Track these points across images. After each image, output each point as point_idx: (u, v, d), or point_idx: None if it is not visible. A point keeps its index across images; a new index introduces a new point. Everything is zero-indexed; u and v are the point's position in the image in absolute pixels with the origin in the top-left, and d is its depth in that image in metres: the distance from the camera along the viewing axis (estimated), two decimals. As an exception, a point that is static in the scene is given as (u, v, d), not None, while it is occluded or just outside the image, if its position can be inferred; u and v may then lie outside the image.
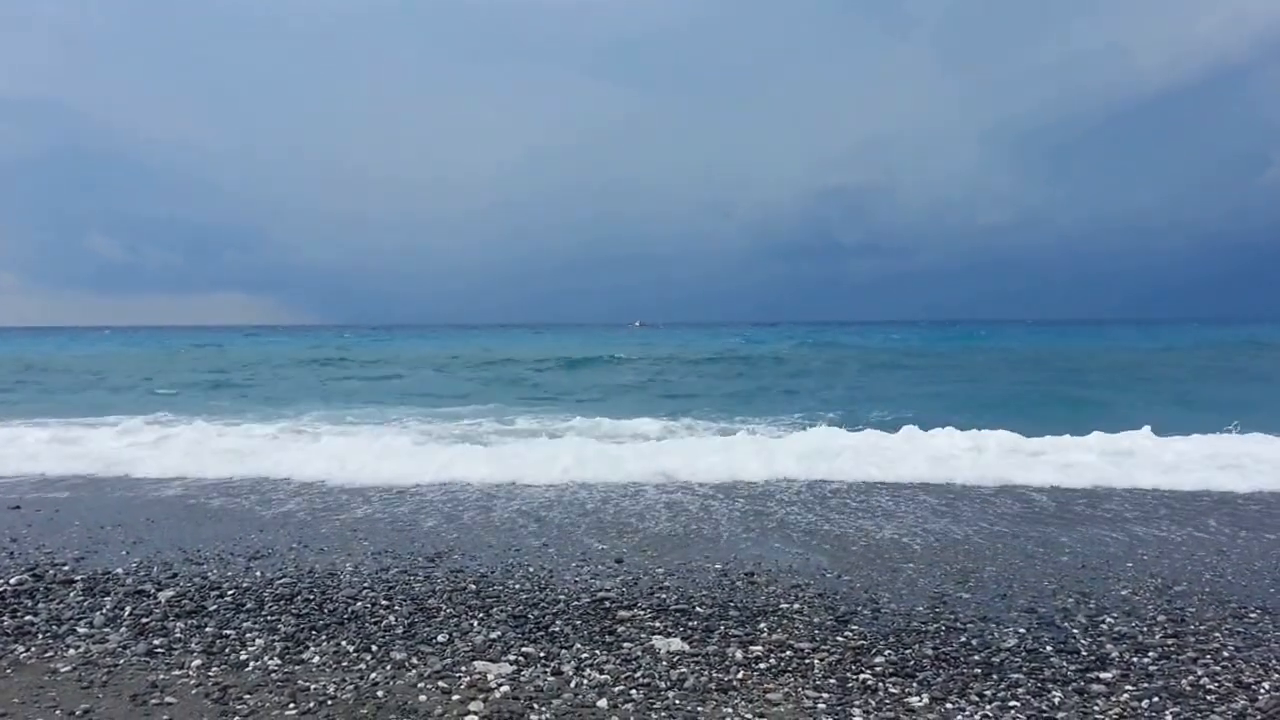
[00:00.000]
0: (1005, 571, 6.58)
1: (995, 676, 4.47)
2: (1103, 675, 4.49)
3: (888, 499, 9.46)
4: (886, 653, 4.77)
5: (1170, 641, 4.99)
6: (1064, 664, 4.66)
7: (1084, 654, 4.80)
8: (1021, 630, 5.19)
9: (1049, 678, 4.47)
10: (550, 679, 4.39)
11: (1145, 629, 5.23)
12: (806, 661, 4.64)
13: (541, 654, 4.73)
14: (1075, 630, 5.21)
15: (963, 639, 5.03)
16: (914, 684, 4.35)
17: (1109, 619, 5.41)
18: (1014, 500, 9.46)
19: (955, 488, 10.16)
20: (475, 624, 5.22)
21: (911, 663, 4.63)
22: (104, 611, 5.40)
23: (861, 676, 4.44)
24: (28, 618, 5.29)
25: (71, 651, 4.74)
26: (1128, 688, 4.33)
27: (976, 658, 4.73)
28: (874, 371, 34.18)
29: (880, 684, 4.34)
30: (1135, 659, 4.72)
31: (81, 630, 5.07)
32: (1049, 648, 4.90)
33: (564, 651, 4.77)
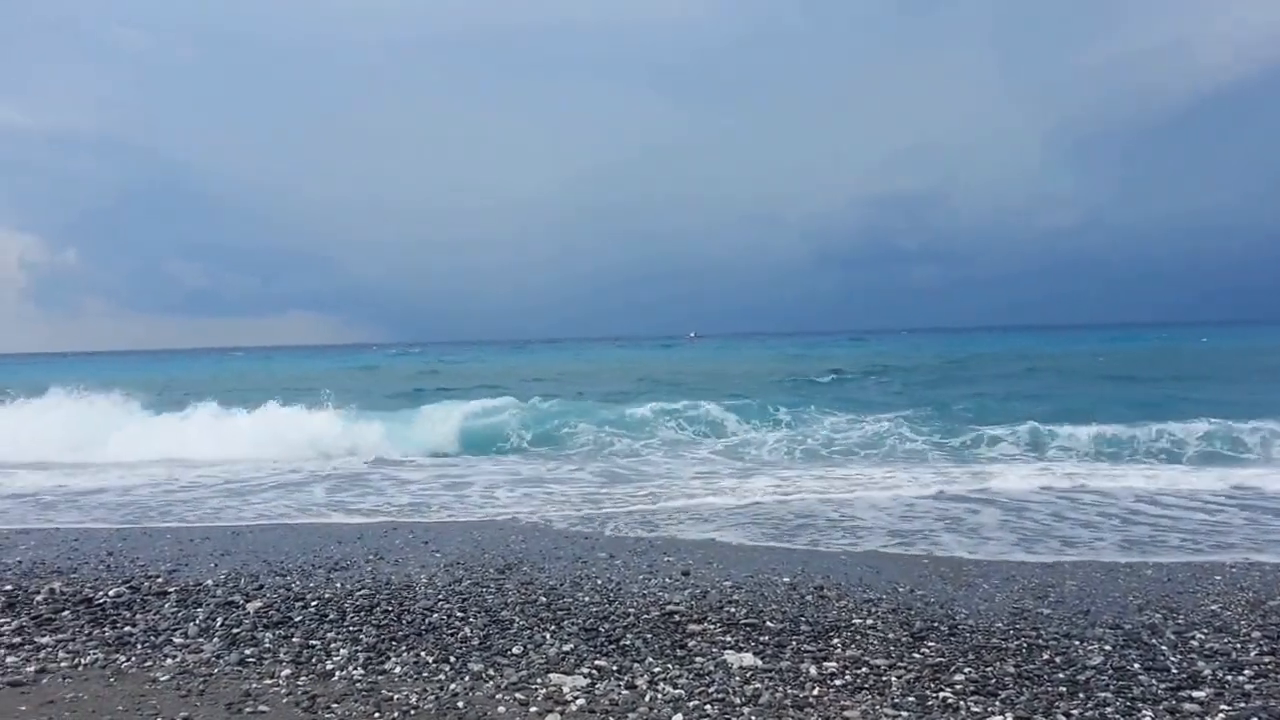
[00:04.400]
0: (1086, 586, 6.41)
1: (1082, 695, 4.36)
2: (1195, 694, 4.35)
3: None
4: (966, 670, 4.69)
5: (1267, 659, 4.81)
6: (1153, 682, 4.52)
7: (1174, 672, 4.66)
8: (1107, 647, 5.05)
9: (1138, 696, 4.34)
10: (624, 693, 4.43)
11: (1239, 646, 5.04)
12: (883, 678, 4.59)
13: (614, 667, 4.77)
14: (1164, 647, 5.05)
15: (1045, 656, 4.92)
16: (997, 703, 4.27)
17: (1199, 635, 5.24)
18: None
19: None
20: (548, 636, 5.29)
21: (993, 681, 4.55)
22: (197, 622, 5.61)
23: (942, 694, 4.37)
24: (127, 628, 5.53)
25: (169, 661, 4.94)
26: (1223, 707, 4.18)
27: (1061, 675, 4.62)
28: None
29: (961, 702, 4.27)
30: (1230, 677, 4.56)
31: (177, 640, 5.28)
32: (1137, 665, 4.76)
33: (636, 665, 4.80)
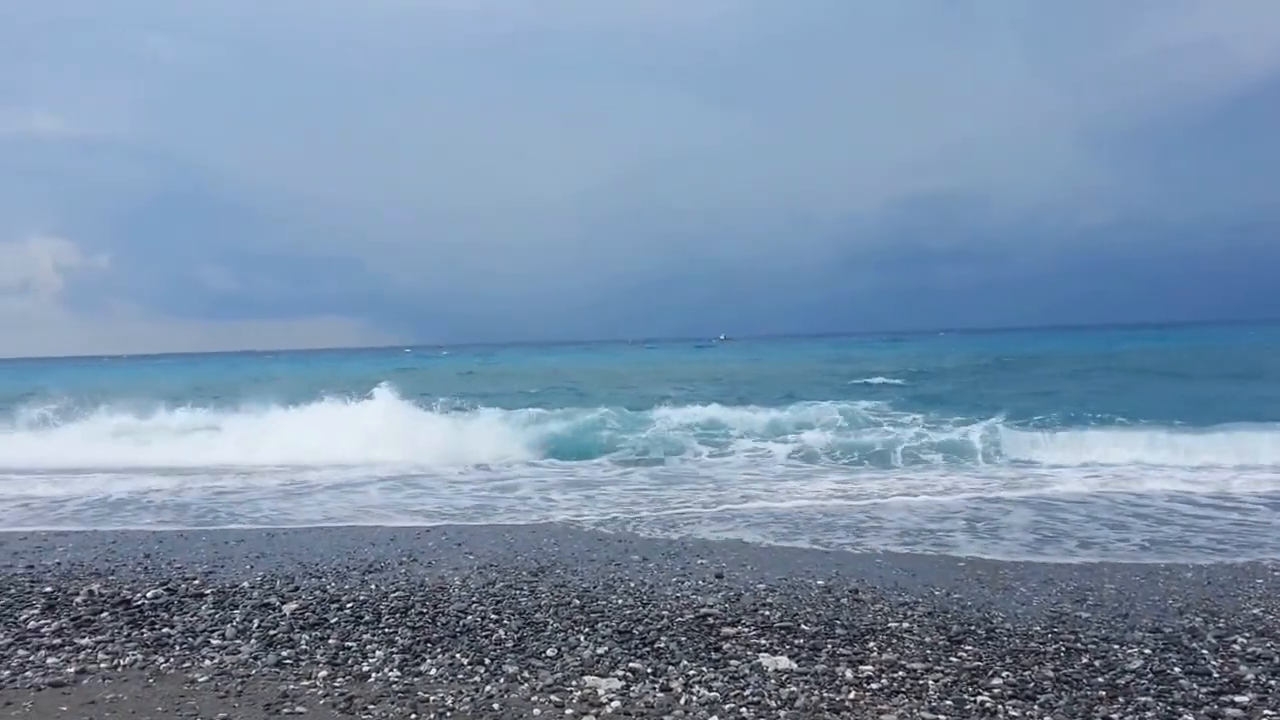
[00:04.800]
0: (1125, 590, 6.33)
1: (1122, 699, 4.31)
2: (1238, 698, 4.28)
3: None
4: (1004, 674, 4.65)
5: (1312, 664, 4.72)
6: (1194, 686, 4.46)
7: (1216, 676, 4.59)
8: (1147, 651, 4.99)
9: (1179, 701, 4.28)
10: (659, 695, 4.42)
11: (1283, 651, 4.96)
12: (920, 682, 4.55)
13: (649, 670, 4.77)
14: (1205, 651, 4.98)
15: (1084, 660, 4.86)
16: (1035, 707, 4.22)
17: (1240, 639, 5.16)
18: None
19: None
20: (582, 639, 5.29)
21: (1032, 685, 4.50)
22: (234, 624, 5.67)
23: (980, 698, 4.32)
24: (165, 630, 5.59)
25: (207, 662, 4.99)
26: (1266, 712, 4.12)
27: (1100, 680, 4.57)
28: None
29: (1000, 706, 4.23)
30: (1273, 682, 4.49)
31: (215, 642, 5.33)
32: (1177, 669, 4.70)
33: (671, 668, 4.79)
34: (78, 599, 6.31)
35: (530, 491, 12.01)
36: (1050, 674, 4.64)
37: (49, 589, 6.63)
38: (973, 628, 5.46)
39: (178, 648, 5.24)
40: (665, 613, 5.81)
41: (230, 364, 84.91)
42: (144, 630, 5.59)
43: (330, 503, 11.30)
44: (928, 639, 5.23)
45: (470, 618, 5.74)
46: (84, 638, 5.43)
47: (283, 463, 15.42)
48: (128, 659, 5.03)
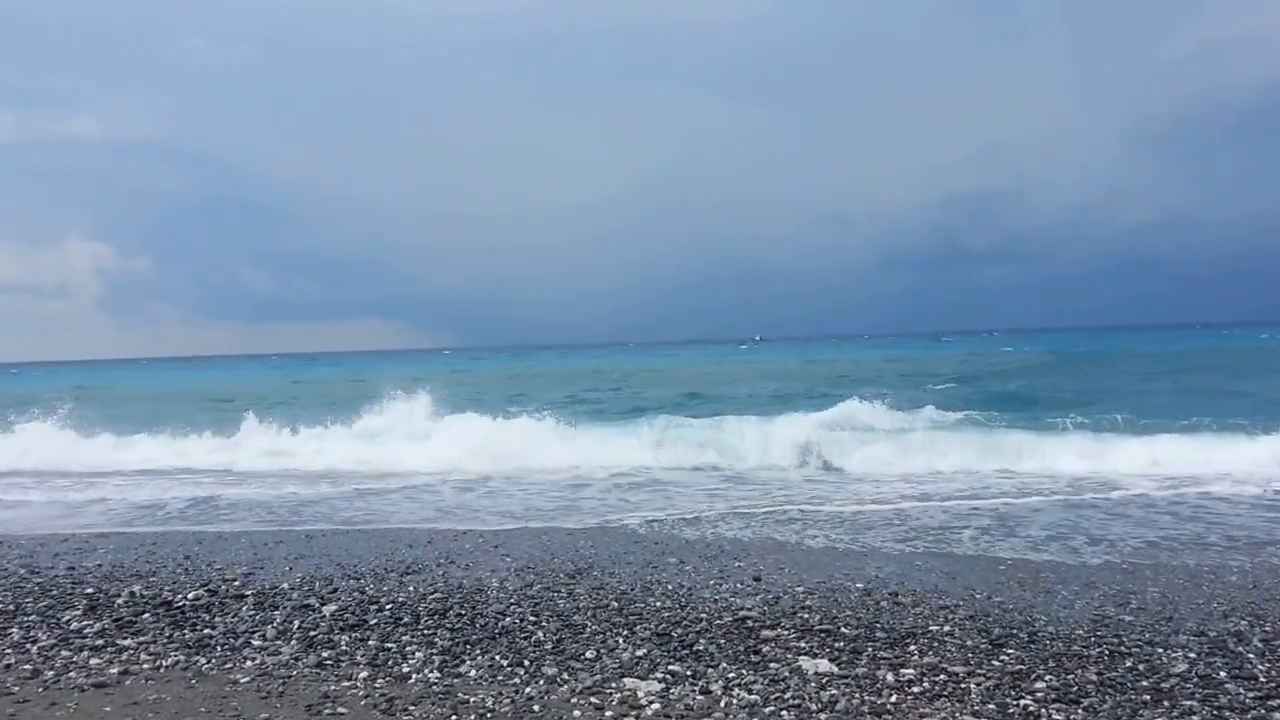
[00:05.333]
0: (1169, 593, 6.24)
1: (1166, 703, 4.25)
2: (1287, 704, 4.21)
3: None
4: (1047, 678, 4.59)
5: (1363, 669, 4.63)
6: (1241, 691, 4.39)
7: (1262, 680, 4.51)
8: (1192, 655, 4.91)
9: (1225, 705, 4.21)
10: (699, 698, 4.42)
11: (1333, 655, 4.86)
12: (962, 685, 4.51)
13: (688, 672, 4.76)
14: (1251, 655, 4.90)
15: (1128, 664, 4.79)
16: (1079, 711, 4.17)
17: (1289, 644, 5.07)
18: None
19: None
20: (621, 641, 5.30)
21: (1075, 688, 4.44)
22: (275, 625, 5.73)
23: (1022, 702, 4.28)
24: (206, 631, 5.66)
25: (249, 663, 5.04)
26: (1316, 719, 4.05)
27: (1145, 683, 4.50)
28: None
29: (1043, 710, 4.18)
30: (1324, 687, 4.40)
31: (256, 643, 5.39)
32: (1223, 673, 4.62)
33: (710, 670, 4.78)
34: (119, 600, 6.40)
35: (596, 494, 12.05)
36: (1094, 678, 4.59)
37: (90, 590, 6.73)
38: (1015, 631, 5.40)
39: (219, 649, 5.30)
40: (704, 615, 5.80)
41: (275, 367, 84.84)
42: (185, 631, 5.66)
43: (405, 504, 11.47)
44: (969, 642, 5.19)
45: (508, 619, 5.76)
46: (126, 639, 5.51)
47: (391, 469, 15.29)
48: (170, 660, 5.10)
